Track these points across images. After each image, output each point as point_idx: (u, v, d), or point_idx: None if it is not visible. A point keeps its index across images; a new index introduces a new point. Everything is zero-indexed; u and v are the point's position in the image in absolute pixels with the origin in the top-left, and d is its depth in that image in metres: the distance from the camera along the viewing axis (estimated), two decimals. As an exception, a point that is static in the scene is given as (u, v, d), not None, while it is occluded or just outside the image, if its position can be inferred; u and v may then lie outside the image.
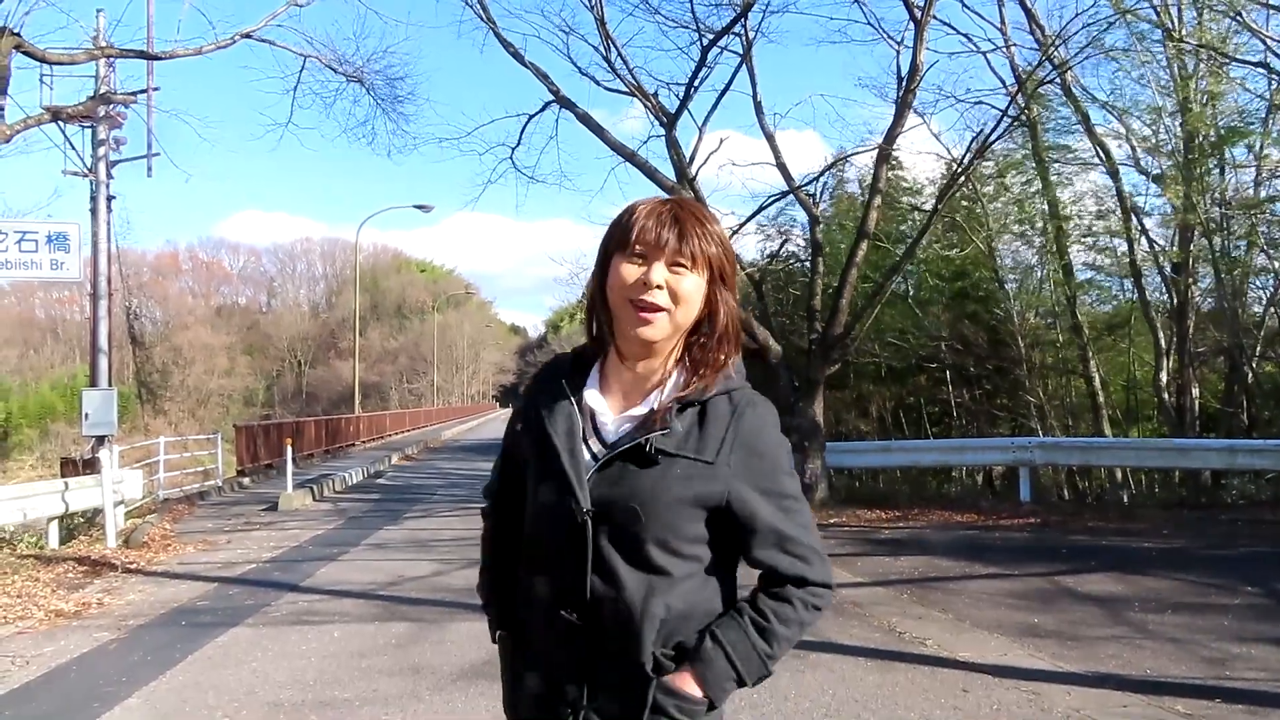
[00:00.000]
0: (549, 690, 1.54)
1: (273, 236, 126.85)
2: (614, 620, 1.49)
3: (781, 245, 18.93)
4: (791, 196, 14.26)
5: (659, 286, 1.50)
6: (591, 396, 1.58)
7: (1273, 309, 15.83)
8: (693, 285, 1.52)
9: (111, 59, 13.25)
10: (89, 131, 13.85)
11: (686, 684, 1.50)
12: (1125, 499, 15.02)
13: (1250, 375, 15.38)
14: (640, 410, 1.55)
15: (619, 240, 1.54)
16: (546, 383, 1.62)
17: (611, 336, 1.57)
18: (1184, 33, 13.64)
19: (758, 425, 1.55)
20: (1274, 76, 13.40)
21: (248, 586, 8.16)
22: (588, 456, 1.53)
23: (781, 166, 14.08)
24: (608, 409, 1.58)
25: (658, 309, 1.50)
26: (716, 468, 1.51)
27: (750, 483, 1.53)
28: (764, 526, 1.54)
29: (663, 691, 1.49)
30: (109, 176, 14.03)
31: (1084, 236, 17.69)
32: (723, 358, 1.56)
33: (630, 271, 1.51)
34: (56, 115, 12.28)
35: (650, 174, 13.18)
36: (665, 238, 1.51)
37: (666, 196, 1.61)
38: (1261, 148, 15.08)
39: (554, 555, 1.52)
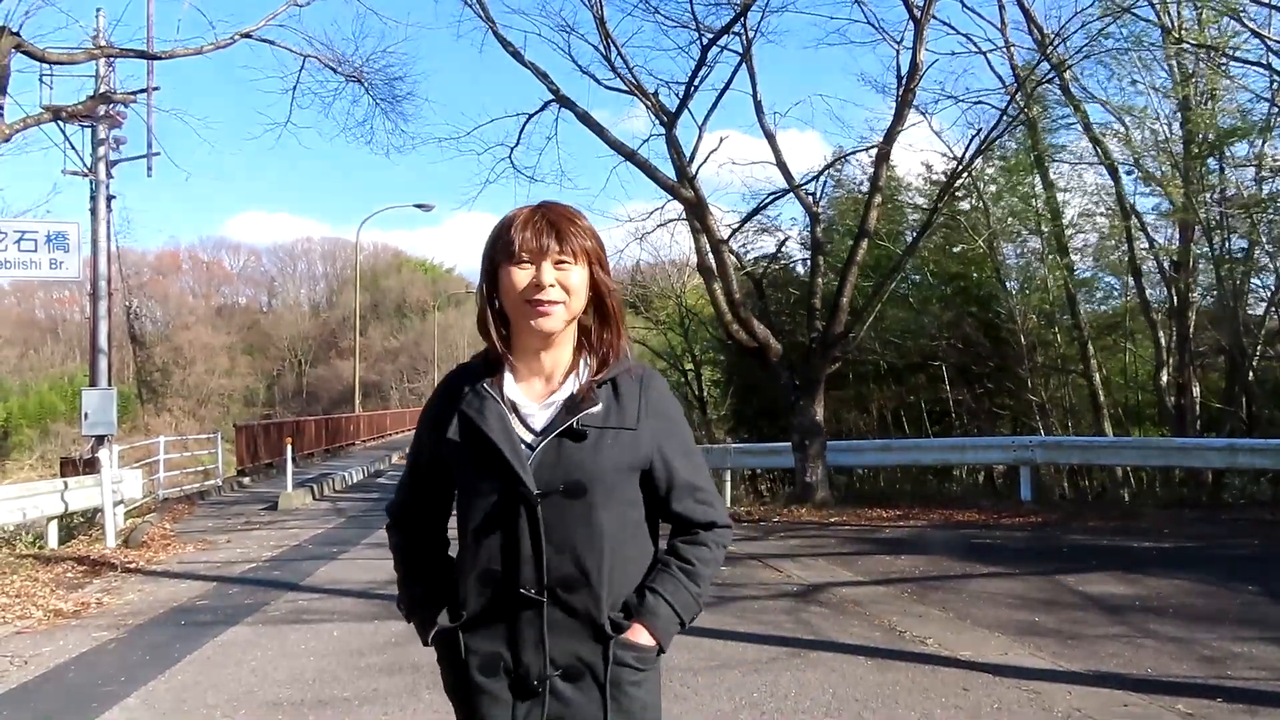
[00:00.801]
0: (515, 668, 1.65)
1: (276, 237, 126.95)
2: (572, 590, 1.63)
3: (782, 244, 18.91)
4: (792, 195, 14.26)
5: (551, 285, 1.66)
6: (511, 390, 1.71)
7: (1273, 308, 15.81)
8: (579, 277, 1.70)
9: (111, 59, 13.27)
10: (89, 131, 13.88)
11: (640, 636, 1.68)
12: (1126, 498, 15.00)
13: (1251, 374, 15.35)
14: (561, 394, 1.71)
15: (504, 251, 1.69)
16: (462, 389, 1.73)
17: (506, 339, 1.73)
18: (1183, 31, 13.61)
19: (663, 392, 1.79)
20: (1274, 75, 13.37)
21: (247, 586, 8.16)
22: (523, 445, 1.67)
23: (781, 165, 14.08)
24: (528, 400, 1.72)
25: (553, 303, 1.67)
26: (639, 433, 1.71)
27: (666, 443, 1.75)
28: (680, 481, 1.76)
29: (621, 647, 1.66)
30: (109, 176, 14.05)
31: (1083, 235, 17.70)
32: (620, 339, 1.76)
33: (521, 276, 1.67)
34: (56, 115, 12.27)
35: (650, 173, 13.18)
36: (546, 243, 1.67)
37: (534, 205, 1.74)
38: (1263, 146, 15.07)
39: (508, 541, 1.64)
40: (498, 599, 1.65)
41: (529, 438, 1.67)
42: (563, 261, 1.68)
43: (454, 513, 1.82)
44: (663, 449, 1.74)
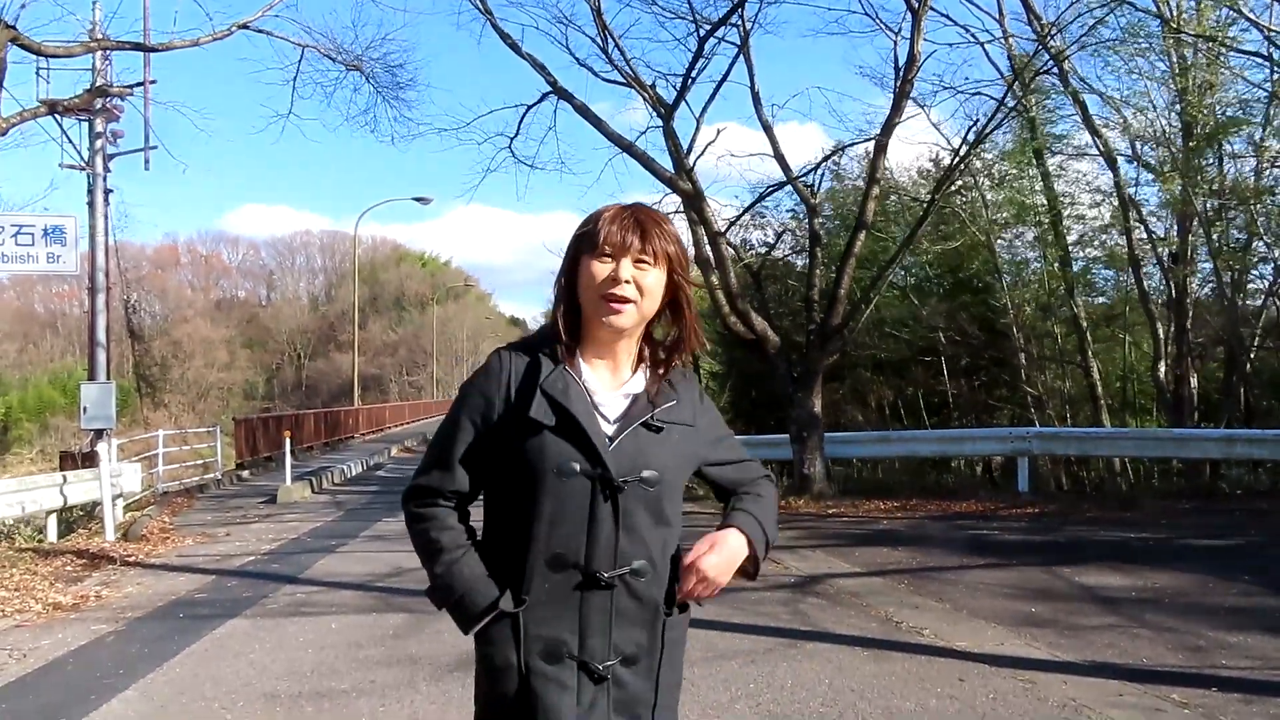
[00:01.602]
0: (579, 653, 1.67)
1: (276, 230, 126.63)
2: (640, 577, 1.68)
3: (779, 236, 18.90)
4: (790, 187, 14.25)
5: (627, 281, 1.69)
6: (588, 377, 1.74)
7: (1271, 299, 15.81)
8: (655, 279, 1.73)
9: (108, 51, 13.22)
10: (86, 124, 13.82)
11: (732, 538, 1.76)
12: (1124, 489, 15.02)
13: (1249, 365, 15.37)
14: (633, 386, 1.76)
15: (588, 243, 1.72)
16: (537, 368, 1.72)
17: (572, 329, 1.75)
18: (1182, 21, 13.59)
19: (700, 388, 1.90)
20: (1273, 66, 13.36)
21: (246, 579, 8.17)
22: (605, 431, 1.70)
23: (779, 157, 14.07)
24: (601, 388, 1.74)
25: (626, 300, 1.70)
26: (698, 430, 1.82)
27: (715, 435, 1.88)
28: (730, 464, 1.91)
29: (676, 618, 1.77)
30: (106, 170, 14.01)
31: (1081, 227, 17.68)
32: (691, 341, 1.81)
33: (601, 270, 1.70)
34: (53, 108, 12.25)
35: (647, 164, 13.17)
36: (630, 239, 1.70)
37: (625, 204, 1.78)
38: (1262, 138, 15.05)
39: (586, 526, 1.65)
40: (567, 584, 1.65)
41: (606, 427, 1.71)
42: (642, 261, 1.71)
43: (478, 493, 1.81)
44: (714, 440, 1.88)
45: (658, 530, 1.71)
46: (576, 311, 1.75)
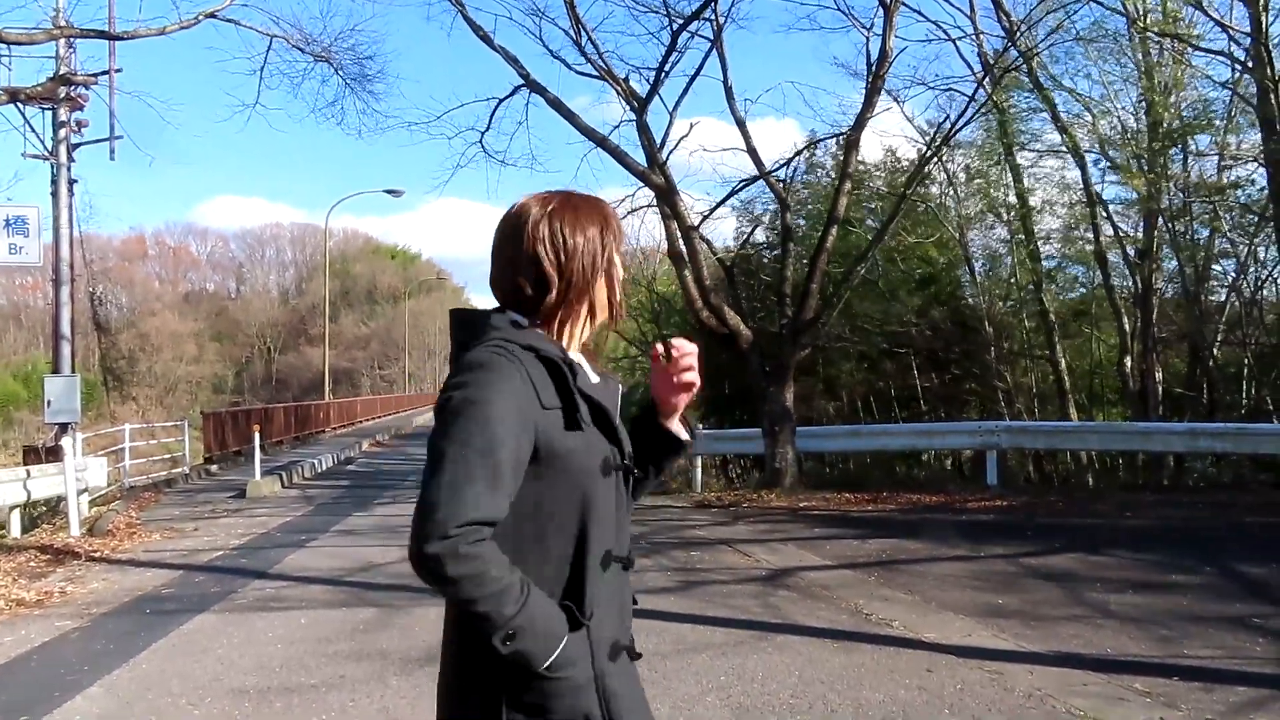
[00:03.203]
0: (625, 638, 1.65)
1: (250, 222, 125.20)
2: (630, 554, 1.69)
3: (752, 231, 18.95)
4: (763, 182, 14.28)
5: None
6: (588, 369, 1.70)
7: (1234, 294, 16.07)
8: None
9: (71, 39, 12.99)
10: (49, 114, 13.59)
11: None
12: (1090, 482, 15.23)
13: (1212, 360, 15.62)
14: (596, 373, 1.72)
15: (618, 238, 1.68)
16: (557, 367, 1.58)
17: (596, 319, 1.70)
18: (1148, 20, 13.76)
19: None
20: (1236, 65, 13.55)
21: (214, 574, 8.10)
22: None
23: (752, 152, 14.10)
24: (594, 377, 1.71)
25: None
26: None
27: None
28: None
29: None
30: (70, 159, 13.79)
31: (1050, 223, 17.90)
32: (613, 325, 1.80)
33: (620, 272, 1.69)
34: (15, 97, 12.05)
35: (620, 159, 13.14)
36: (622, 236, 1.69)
37: (579, 193, 1.70)
38: (1224, 135, 15.28)
39: (613, 516, 1.63)
40: (613, 578, 1.63)
41: None
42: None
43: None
44: None
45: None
46: (568, 308, 1.64)
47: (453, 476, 1.45)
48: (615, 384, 1.74)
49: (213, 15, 12.32)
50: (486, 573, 1.44)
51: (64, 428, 12.68)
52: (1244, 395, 15.96)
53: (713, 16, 13.07)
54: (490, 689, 1.54)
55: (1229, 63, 13.73)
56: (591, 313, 1.68)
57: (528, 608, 1.47)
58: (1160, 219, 15.37)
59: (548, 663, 1.49)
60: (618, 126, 24.24)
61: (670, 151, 13.30)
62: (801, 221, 17.95)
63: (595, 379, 1.69)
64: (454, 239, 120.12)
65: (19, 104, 12.39)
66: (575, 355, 1.66)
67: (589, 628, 1.55)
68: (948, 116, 13.45)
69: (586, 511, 1.57)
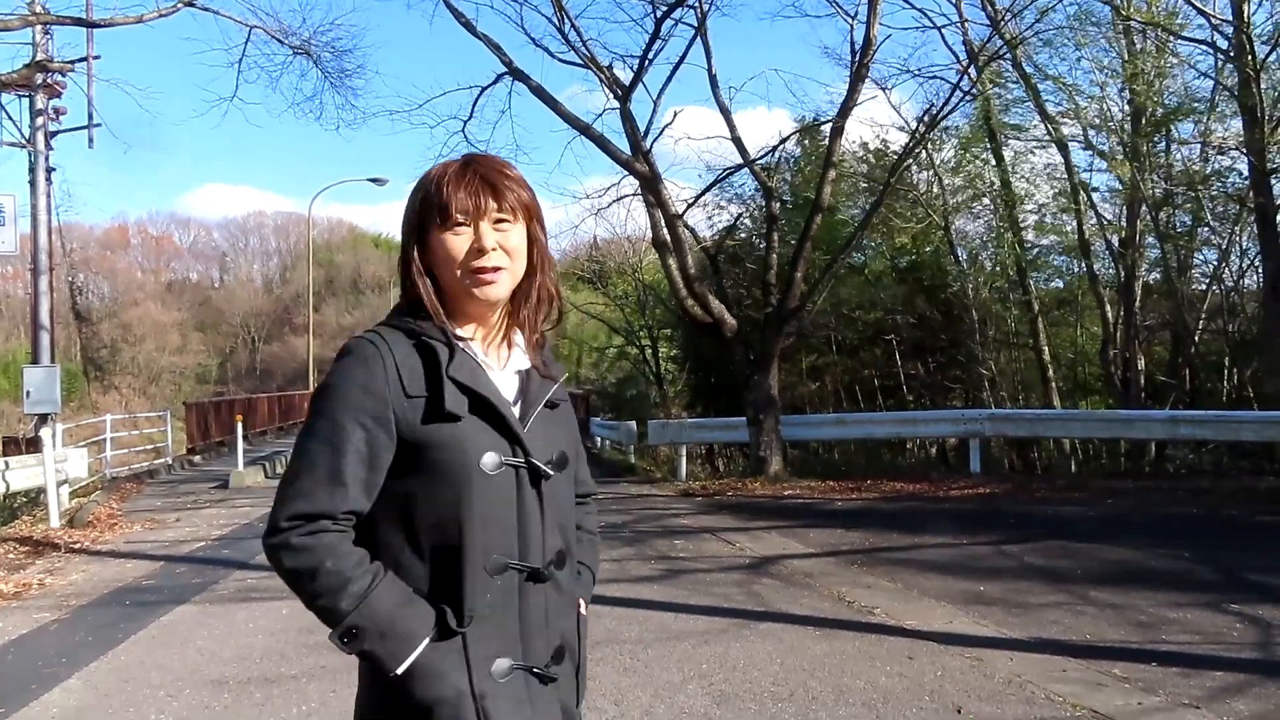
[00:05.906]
0: (525, 659, 1.49)
1: (240, 211, 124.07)
2: (562, 566, 1.54)
3: (737, 219, 18.93)
4: (748, 170, 14.26)
5: (493, 249, 1.49)
6: (481, 358, 1.53)
7: (1215, 284, 16.17)
8: (519, 236, 1.53)
9: (48, 25, 12.82)
10: (26, 100, 13.41)
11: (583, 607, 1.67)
12: (1073, 469, 15.33)
13: (1193, 348, 15.73)
14: (520, 361, 1.58)
15: (437, 214, 1.49)
16: (431, 352, 1.47)
17: (440, 306, 1.52)
18: (1131, 8, 13.78)
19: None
20: (1219, 54, 13.60)
21: (195, 565, 8.05)
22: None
23: (737, 140, 14.07)
24: (494, 366, 1.55)
25: (497, 269, 1.50)
26: (572, 402, 1.72)
27: (572, 413, 1.71)
28: (581, 459, 1.72)
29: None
30: (48, 147, 13.60)
31: (1035, 212, 17.94)
32: (559, 299, 1.63)
33: (459, 242, 1.49)
34: (-10, 83, 11.88)
35: (604, 146, 13.10)
36: (484, 201, 1.49)
37: (460, 159, 1.55)
38: (1207, 124, 15.34)
39: (512, 520, 1.48)
40: (505, 588, 1.47)
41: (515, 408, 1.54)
42: (502, 220, 1.50)
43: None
44: (576, 427, 1.71)
45: (570, 515, 1.59)
46: (438, 288, 1.52)
47: (294, 469, 1.47)
48: (545, 377, 1.59)
49: (191, 4, 12.19)
50: (320, 567, 1.42)
51: (44, 418, 12.55)
52: (1225, 383, 16.09)
53: (696, 3, 13.02)
54: (364, 692, 1.52)
55: (1212, 51, 13.78)
56: (448, 294, 1.52)
57: (368, 606, 1.41)
58: (1143, 207, 15.44)
59: (400, 668, 1.41)
60: (601, 114, 24.12)
61: (654, 139, 13.28)
62: (787, 200, 17.91)
63: (501, 368, 1.55)
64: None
65: (-5, 91, 12.23)
66: (480, 343, 1.55)
67: (465, 638, 1.44)
68: (933, 105, 13.44)
69: (464, 510, 1.44)
